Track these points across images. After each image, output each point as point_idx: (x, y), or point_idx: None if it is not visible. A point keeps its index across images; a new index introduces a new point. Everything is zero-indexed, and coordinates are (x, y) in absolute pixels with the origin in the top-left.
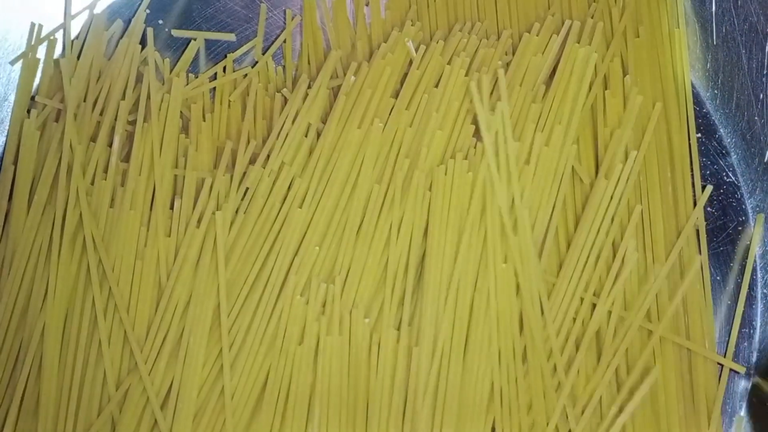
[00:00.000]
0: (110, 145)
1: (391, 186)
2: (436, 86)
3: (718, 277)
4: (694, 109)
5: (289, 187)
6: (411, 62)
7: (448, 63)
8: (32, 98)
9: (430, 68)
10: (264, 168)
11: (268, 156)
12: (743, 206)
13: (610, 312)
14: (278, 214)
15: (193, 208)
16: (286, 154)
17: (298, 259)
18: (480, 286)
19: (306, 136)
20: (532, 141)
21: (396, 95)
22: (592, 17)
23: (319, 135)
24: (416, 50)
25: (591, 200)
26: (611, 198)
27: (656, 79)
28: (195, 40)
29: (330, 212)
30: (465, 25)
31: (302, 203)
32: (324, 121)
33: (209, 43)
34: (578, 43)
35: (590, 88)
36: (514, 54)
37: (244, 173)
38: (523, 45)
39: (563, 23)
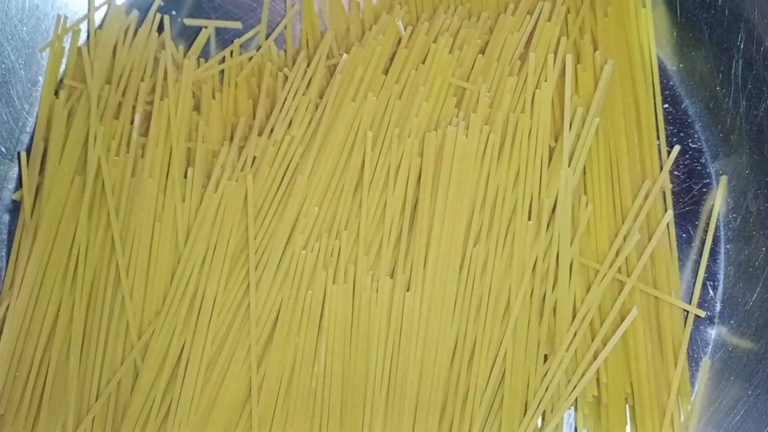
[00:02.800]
0: (132, 122)
1: (383, 152)
2: (423, 63)
3: (684, 235)
4: (662, 81)
5: (291, 156)
6: (400, 41)
7: (434, 41)
8: (60, 81)
9: (417, 46)
10: (269, 139)
11: (272, 129)
12: (707, 170)
13: (587, 267)
14: (282, 179)
15: (208, 180)
16: (288, 127)
17: (302, 219)
18: (467, 245)
19: (306, 110)
20: (508, 110)
21: (386, 71)
22: (562, 2)
23: (317, 108)
24: (405, 29)
25: (555, 157)
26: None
27: (624, 54)
28: (206, 28)
29: (328, 177)
30: (449, 8)
31: (304, 170)
32: (321, 96)
33: (218, 31)
34: (549, 21)
35: (561, 62)
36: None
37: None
38: (499, 24)
39: (537, 4)
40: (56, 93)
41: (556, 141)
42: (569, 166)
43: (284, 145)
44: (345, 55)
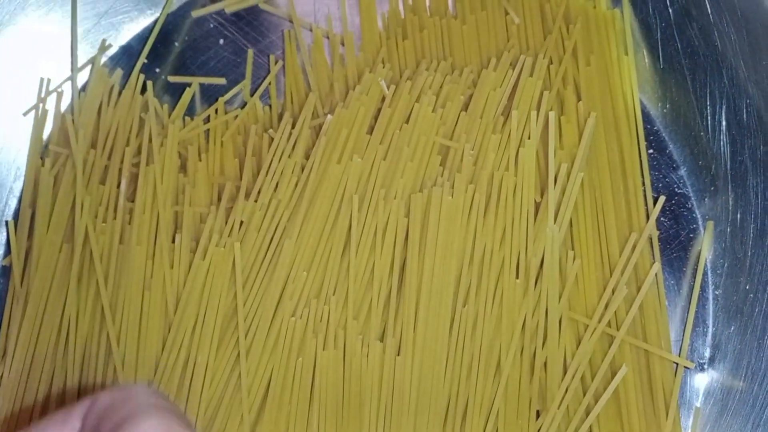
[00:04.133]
0: (118, 186)
1: (370, 214)
2: (407, 122)
3: (672, 282)
4: (646, 127)
5: (278, 220)
6: (384, 98)
7: (417, 101)
8: (46, 146)
9: (400, 106)
10: (256, 202)
11: (260, 191)
12: (694, 215)
13: (577, 322)
14: (270, 244)
15: (196, 242)
16: (275, 190)
17: (291, 284)
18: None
19: (292, 172)
20: (492, 168)
21: (371, 130)
22: (545, 51)
23: (303, 170)
24: (387, 88)
25: (541, 213)
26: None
27: (607, 102)
28: (189, 86)
29: (315, 241)
30: (431, 63)
31: (291, 234)
32: (307, 157)
33: (203, 87)
34: (531, 76)
35: (544, 117)
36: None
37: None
38: (482, 80)
39: (519, 57)
40: (42, 157)
41: (542, 196)
42: (555, 222)
43: (271, 209)
44: (329, 116)
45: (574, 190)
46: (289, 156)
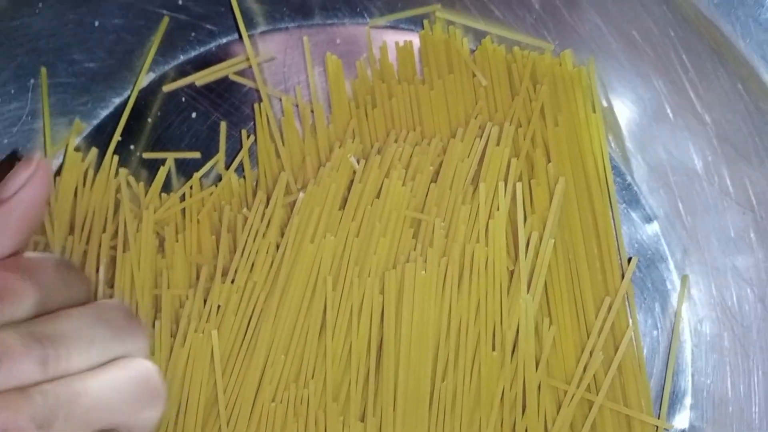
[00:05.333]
0: (97, 271)
1: (345, 293)
2: (378, 197)
3: (649, 339)
4: (617, 181)
5: (255, 303)
6: (354, 172)
7: (387, 176)
8: None
9: (371, 181)
10: (232, 283)
11: (236, 271)
12: (669, 268)
13: (556, 388)
14: (247, 328)
15: (177, 325)
16: (251, 271)
17: (269, 369)
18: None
19: (267, 252)
20: (464, 240)
21: (344, 205)
22: (513, 114)
23: (278, 247)
24: (357, 162)
25: (514, 284)
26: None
27: (578, 162)
28: (164, 164)
29: (292, 323)
30: (400, 133)
31: (268, 317)
32: (282, 234)
33: (178, 161)
34: (498, 145)
35: (513, 183)
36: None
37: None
38: (449, 151)
39: (489, 123)
40: None
41: (515, 264)
42: (528, 291)
43: (247, 291)
44: (301, 194)
45: (546, 258)
46: (263, 235)
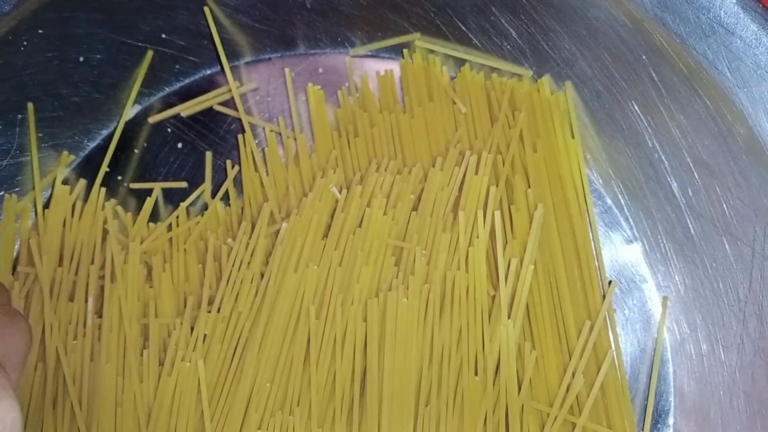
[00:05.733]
0: (86, 301)
1: (328, 321)
2: (359, 226)
3: (631, 360)
4: (598, 204)
5: (240, 332)
6: (337, 202)
7: (368, 205)
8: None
9: (353, 210)
10: (219, 312)
11: (222, 301)
12: (651, 289)
13: (540, 411)
14: (233, 356)
15: (165, 353)
16: (236, 300)
17: (255, 397)
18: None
19: (251, 282)
20: (444, 267)
21: (326, 234)
22: (492, 141)
23: (262, 277)
24: (340, 191)
25: (495, 310)
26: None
27: (557, 186)
28: (149, 197)
29: (277, 352)
30: (382, 162)
31: (253, 346)
32: (267, 264)
33: (165, 190)
34: (476, 173)
35: (492, 211)
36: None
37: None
38: (429, 180)
39: (468, 151)
40: (14, 276)
41: (495, 290)
42: (509, 317)
43: (233, 320)
44: (284, 224)
45: (527, 283)
46: (248, 265)
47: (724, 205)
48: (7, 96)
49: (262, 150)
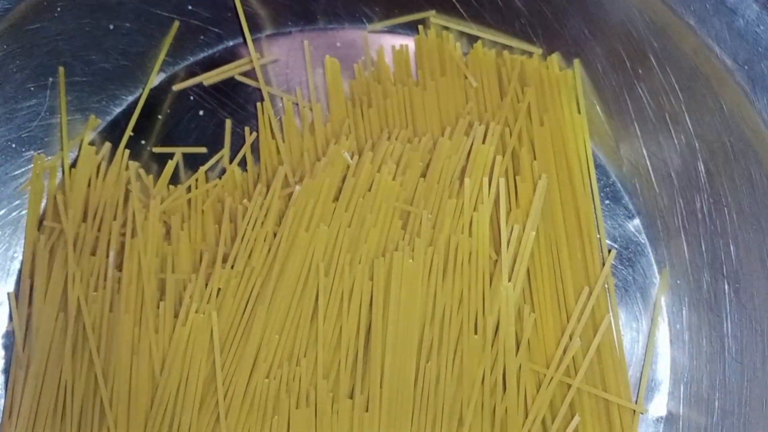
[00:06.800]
0: (108, 256)
1: (336, 279)
2: (369, 190)
3: (629, 329)
4: (602, 179)
5: (252, 287)
6: (348, 168)
7: (378, 171)
8: (42, 219)
9: (363, 175)
10: (232, 269)
11: (236, 258)
12: (650, 262)
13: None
14: (245, 310)
15: (180, 306)
16: (249, 257)
17: (264, 348)
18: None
19: (264, 241)
20: (449, 232)
21: (337, 198)
22: (501, 114)
23: (275, 235)
24: (351, 157)
25: (496, 273)
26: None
27: (562, 159)
28: (171, 159)
29: (286, 306)
30: (393, 132)
31: (264, 300)
32: (279, 225)
33: (186, 156)
34: (483, 143)
35: (497, 179)
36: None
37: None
38: (438, 148)
39: (477, 122)
40: (40, 230)
41: (498, 254)
42: (510, 280)
43: (245, 276)
44: (297, 187)
45: (527, 249)
46: (262, 224)
47: (723, 180)
48: (41, 60)
49: (279, 118)
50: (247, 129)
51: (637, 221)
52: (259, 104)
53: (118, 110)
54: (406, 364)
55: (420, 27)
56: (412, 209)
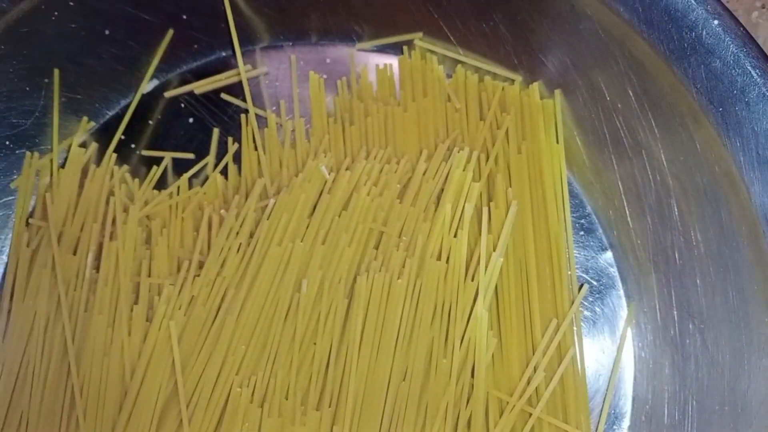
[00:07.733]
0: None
1: (309, 294)
2: (345, 209)
3: (594, 361)
4: (578, 210)
5: (223, 296)
6: (325, 183)
7: (355, 190)
8: (30, 215)
9: (340, 193)
10: (204, 277)
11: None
12: (620, 295)
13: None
14: (215, 319)
15: (152, 311)
16: (221, 267)
17: (230, 357)
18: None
19: (237, 251)
20: (421, 255)
21: (312, 213)
22: (479, 140)
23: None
24: (329, 173)
25: (460, 299)
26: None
27: (538, 188)
28: (157, 166)
29: (256, 317)
30: (372, 150)
31: (233, 311)
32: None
33: (174, 160)
34: (462, 169)
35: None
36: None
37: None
38: (416, 172)
39: (455, 148)
40: (27, 227)
41: (465, 279)
42: (476, 307)
43: (216, 285)
44: (272, 200)
45: (494, 276)
46: (236, 234)
47: (696, 220)
48: (35, 62)
49: (262, 130)
50: (230, 139)
51: (609, 254)
52: (243, 116)
53: (110, 113)
54: (376, 382)
55: (404, 48)
56: (387, 230)
